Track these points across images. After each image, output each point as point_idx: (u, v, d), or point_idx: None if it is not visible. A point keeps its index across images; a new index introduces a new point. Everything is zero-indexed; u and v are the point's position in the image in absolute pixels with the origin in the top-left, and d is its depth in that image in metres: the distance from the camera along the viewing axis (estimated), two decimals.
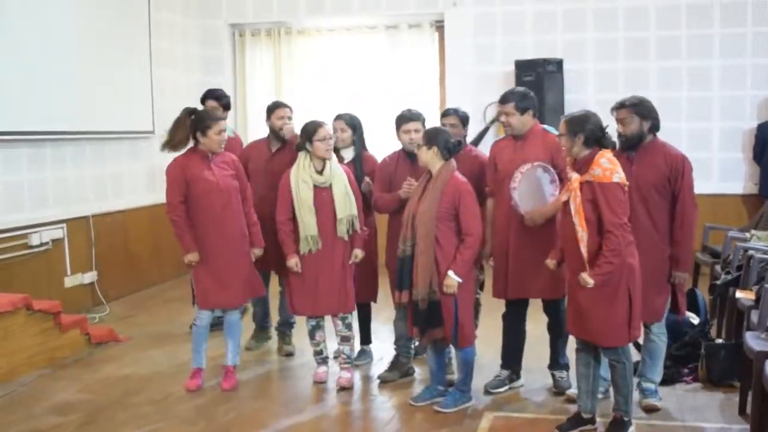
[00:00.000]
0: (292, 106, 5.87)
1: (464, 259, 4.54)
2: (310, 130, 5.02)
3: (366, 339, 5.70)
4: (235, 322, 5.19)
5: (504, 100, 4.84)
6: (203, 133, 4.96)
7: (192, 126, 4.99)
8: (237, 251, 5.05)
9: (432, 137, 4.65)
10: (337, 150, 5.26)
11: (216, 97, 6.21)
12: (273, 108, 5.79)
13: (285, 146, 5.69)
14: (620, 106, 4.50)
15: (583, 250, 4.04)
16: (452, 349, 4.98)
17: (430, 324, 4.57)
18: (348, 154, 5.41)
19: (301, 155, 5.07)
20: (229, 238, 5.01)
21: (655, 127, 4.50)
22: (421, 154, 4.67)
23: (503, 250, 4.82)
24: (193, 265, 5.03)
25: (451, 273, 4.51)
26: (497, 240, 4.86)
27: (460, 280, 4.52)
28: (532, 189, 4.65)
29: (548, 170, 4.69)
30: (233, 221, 5.02)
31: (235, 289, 5.07)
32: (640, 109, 4.47)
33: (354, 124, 5.43)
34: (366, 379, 5.38)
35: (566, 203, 4.14)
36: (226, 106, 6.22)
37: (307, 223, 4.99)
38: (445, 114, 5.31)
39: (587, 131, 4.11)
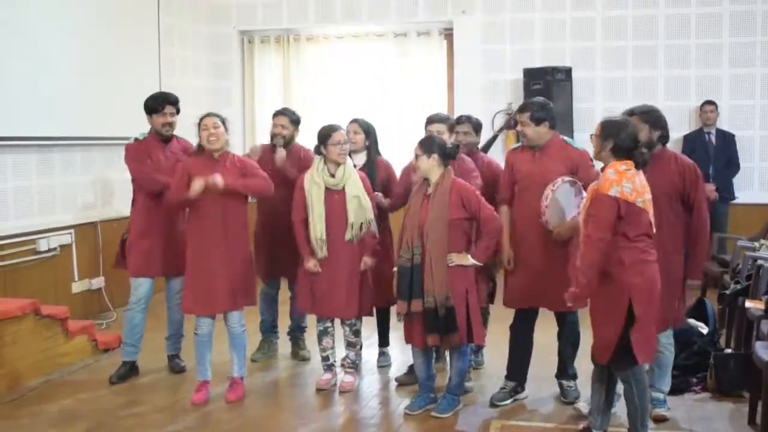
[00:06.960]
0: (300, 113, 5.83)
1: (487, 246, 4.60)
2: (325, 133, 5.01)
3: (384, 341, 5.68)
4: (238, 333, 5.04)
5: (521, 109, 4.82)
6: None
7: None
8: (228, 257, 4.87)
9: (429, 145, 4.64)
10: (348, 154, 5.24)
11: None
12: (274, 114, 5.78)
13: (288, 153, 5.66)
14: (630, 114, 4.39)
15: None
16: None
17: (450, 330, 4.58)
18: (360, 159, 5.37)
19: (317, 158, 5.07)
20: (221, 243, 4.86)
21: (664, 138, 4.45)
22: (420, 163, 4.64)
23: (523, 261, 4.74)
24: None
25: (470, 257, 4.57)
26: (516, 251, 4.78)
27: (478, 263, 4.61)
28: (561, 204, 4.57)
29: (575, 184, 4.61)
30: (228, 226, 4.88)
31: (217, 297, 4.89)
32: (649, 118, 4.41)
33: (367, 129, 5.42)
34: (378, 383, 5.38)
35: None
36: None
37: (316, 226, 4.98)
38: (458, 121, 5.29)
39: (619, 139, 3.96)
